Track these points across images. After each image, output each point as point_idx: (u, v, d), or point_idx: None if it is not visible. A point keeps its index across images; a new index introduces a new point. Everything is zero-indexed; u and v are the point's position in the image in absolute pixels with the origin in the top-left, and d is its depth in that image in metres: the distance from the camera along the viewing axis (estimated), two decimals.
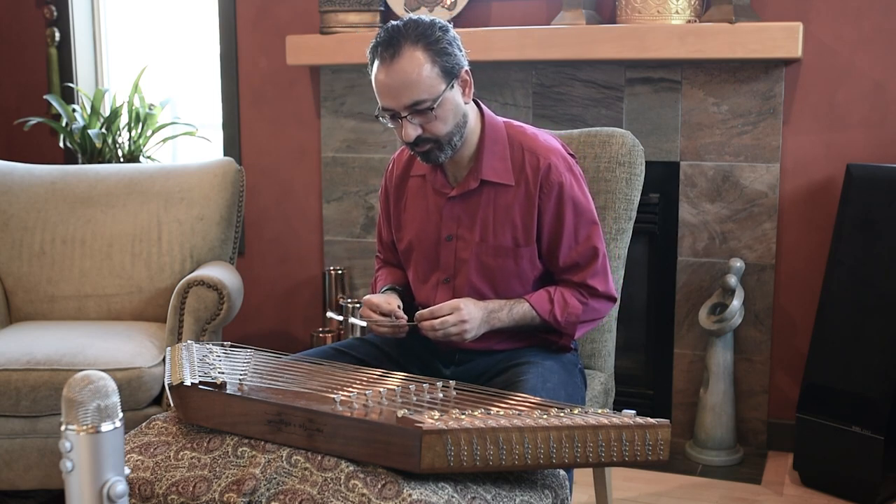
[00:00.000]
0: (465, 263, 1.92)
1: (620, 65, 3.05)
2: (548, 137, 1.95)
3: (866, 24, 2.86)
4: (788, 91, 2.94)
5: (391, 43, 1.75)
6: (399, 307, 1.89)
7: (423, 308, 1.99)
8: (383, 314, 1.87)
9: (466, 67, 1.83)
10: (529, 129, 1.95)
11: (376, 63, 1.79)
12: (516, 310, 1.88)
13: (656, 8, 2.88)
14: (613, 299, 1.97)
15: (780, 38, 2.74)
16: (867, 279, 2.66)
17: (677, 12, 2.88)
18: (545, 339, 1.95)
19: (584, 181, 1.95)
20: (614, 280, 2.20)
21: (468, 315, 1.80)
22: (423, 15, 1.84)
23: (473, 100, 1.89)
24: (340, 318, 1.85)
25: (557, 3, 3.09)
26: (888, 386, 2.57)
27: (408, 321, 1.87)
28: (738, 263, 2.94)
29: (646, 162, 2.24)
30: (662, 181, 3.06)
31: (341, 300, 3.37)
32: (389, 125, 1.84)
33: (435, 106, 1.77)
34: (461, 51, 1.82)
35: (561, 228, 1.88)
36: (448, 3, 3.19)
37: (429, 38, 1.76)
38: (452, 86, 1.79)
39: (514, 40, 3.00)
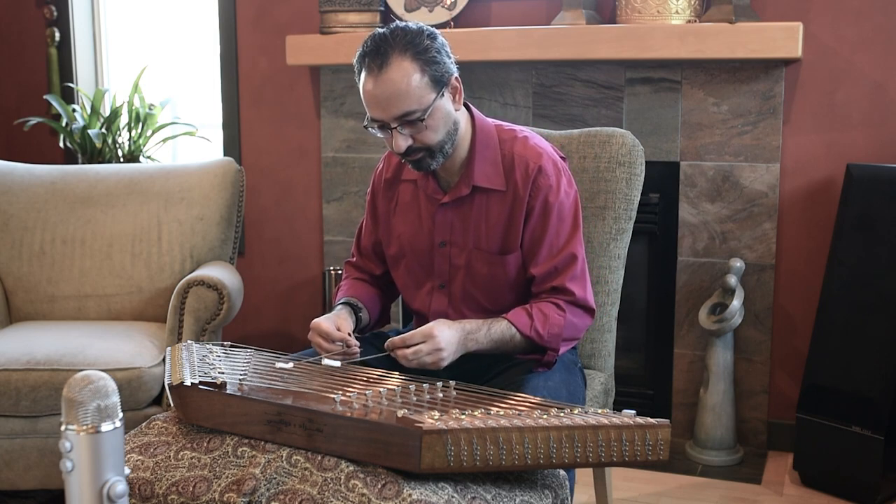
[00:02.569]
0: (459, 269, 1.89)
1: (620, 65, 3.05)
2: (538, 140, 1.90)
3: (866, 24, 2.86)
4: (788, 91, 2.94)
5: (378, 52, 1.70)
6: (350, 333, 1.81)
7: (419, 314, 1.98)
8: (334, 340, 1.77)
9: (456, 74, 1.78)
10: (520, 131, 1.91)
11: (363, 73, 1.73)
12: (494, 329, 1.78)
13: (656, 8, 2.88)
14: (591, 311, 1.89)
15: (780, 38, 2.74)
16: (867, 279, 2.66)
17: (677, 12, 2.88)
18: (526, 360, 1.86)
19: (574, 184, 1.90)
20: (614, 280, 2.19)
21: (444, 342, 1.69)
22: (411, 22, 1.79)
23: (464, 103, 1.85)
24: (290, 365, 1.79)
25: (557, 3, 3.09)
26: (888, 386, 2.57)
27: (379, 350, 1.78)
28: (738, 263, 2.94)
29: (646, 162, 2.23)
30: (662, 181, 3.06)
31: None
32: (379, 135, 1.79)
33: (425, 116, 1.72)
34: (450, 57, 1.77)
35: (543, 233, 1.84)
36: (448, 3, 3.19)
37: (417, 47, 1.71)
38: (442, 94, 1.75)
39: (514, 40, 3.00)
